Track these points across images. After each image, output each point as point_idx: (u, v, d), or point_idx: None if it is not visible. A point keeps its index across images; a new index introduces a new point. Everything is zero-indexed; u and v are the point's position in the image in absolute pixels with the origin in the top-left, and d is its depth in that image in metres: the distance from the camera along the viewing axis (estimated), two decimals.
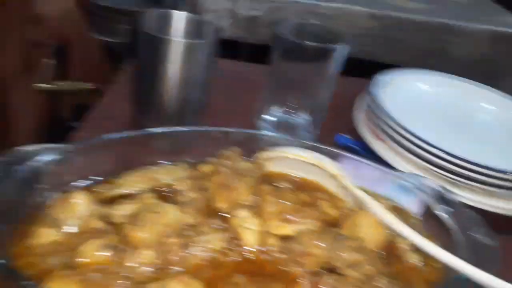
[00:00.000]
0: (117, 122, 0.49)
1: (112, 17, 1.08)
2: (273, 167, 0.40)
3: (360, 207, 0.36)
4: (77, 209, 0.31)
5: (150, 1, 1.10)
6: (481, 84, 0.62)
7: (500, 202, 0.44)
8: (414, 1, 1.27)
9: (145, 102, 0.45)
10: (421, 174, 0.45)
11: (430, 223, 0.37)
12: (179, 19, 0.49)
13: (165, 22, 0.49)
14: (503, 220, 0.45)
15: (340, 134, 0.55)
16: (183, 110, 0.45)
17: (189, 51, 0.43)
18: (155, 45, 0.43)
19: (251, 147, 0.40)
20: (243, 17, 1.17)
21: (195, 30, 0.49)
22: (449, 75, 0.62)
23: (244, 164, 0.37)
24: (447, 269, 0.31)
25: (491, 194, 0.45)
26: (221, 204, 0.34)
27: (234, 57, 0.85)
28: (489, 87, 0.61)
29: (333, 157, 0.40)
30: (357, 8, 1.12)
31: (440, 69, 0.66)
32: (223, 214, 0.34)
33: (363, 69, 0.70)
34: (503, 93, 0.60)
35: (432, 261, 0.32)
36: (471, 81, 0.62)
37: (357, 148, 0.53)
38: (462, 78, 0.62)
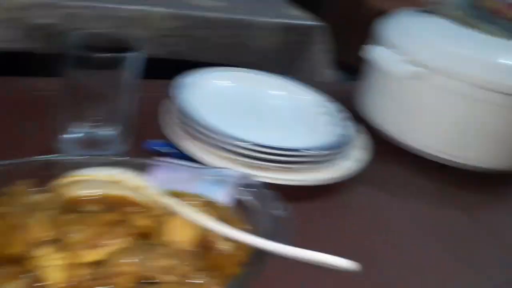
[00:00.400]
0: None
1: None
2: (77, 192, 0.38)
3: (171, 212, 0.37)
4: None
5: None
6: (273, 73, 0.70)
7: (295, 176, 0.51)
8: None
9: None
10: (227, 165, 0.49)
11: (238, 209, 0.40)
12: None
13: None
14: (298, 190, 0.53)
15: (150, 140, 0.55)
16: None
17: None
18: None
19: (48, 175, 0.37)
20: (34, 26, 1.05)
21: None
22: (243, 69, 0.68)
23: (39, 197, 0.34)
24: (254, 248, 0.35)
25: (287, 171, 0.51)
26: (16, 248, 0.31)
27: (27, 72, 0.76)
28: (279, 75, 0.70)
29: (140, 167, 0.39)
30: (157, 9, 1.13)
31: (243, 62, 0.72)
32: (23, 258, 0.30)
33: (174, 70, 0.71)
34: (291, 79, 0.69)
35: (241, 244, 0.36)
36: (263, 72, 0.69)
37: (171, 151, 0.54)
38: (255, 70, 0.69)
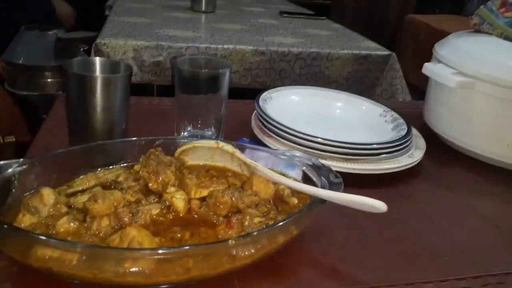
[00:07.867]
0: None
1: (26, 73, 1.15)
2: (190, 160, 0.53)
3: (253, 173, 0.50)
4: (47, 199, 0.41)
5: (57, 57, 1.19)
6: (336, 90, 0.83)
7: (354, 165, 0.62)
8: (289, 37, 1.53)
9: (79, 129, 0.56)
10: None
11: (306, 181, 0.52)
12: (96, 63, 0.62)
13: (86, 66, 0.61)
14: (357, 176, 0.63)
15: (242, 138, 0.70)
16: (110, 132, 0.57)
17: (108, 83, 0.55)
18: (82, 82, 0.55)
19: (170, 149, 0.54)
20: (148, 63, 1.31)
21: (110, 69, 0.61)
22: (315, 87, 0.82)
23: (166, 158, 0.50)
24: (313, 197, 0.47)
25: (348, 160, 0.63)
26: (154, 186, 0.46)
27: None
28: (339, 90, 0.82)
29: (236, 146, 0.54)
30: (246, 47, 1.34)
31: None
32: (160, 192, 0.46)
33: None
34: (350, 94, 0.81)
35: (305, 198, 0.48)
36: (329, 89, 0.82)
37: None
38: (324, 88, 0.83)
